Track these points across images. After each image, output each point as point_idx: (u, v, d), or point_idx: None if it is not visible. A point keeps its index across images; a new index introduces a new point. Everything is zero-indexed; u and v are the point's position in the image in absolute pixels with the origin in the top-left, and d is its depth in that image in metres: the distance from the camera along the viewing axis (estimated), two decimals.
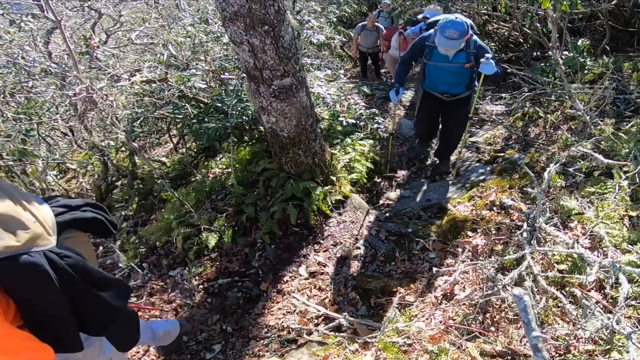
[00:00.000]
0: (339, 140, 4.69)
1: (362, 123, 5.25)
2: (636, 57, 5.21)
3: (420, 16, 4.88)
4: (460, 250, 3.17)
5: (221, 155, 5.28)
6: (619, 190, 2.92)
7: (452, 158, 4.94)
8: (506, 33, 7.81)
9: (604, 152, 3.47)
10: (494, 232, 3.13)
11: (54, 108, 4.49)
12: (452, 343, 2.30)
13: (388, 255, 3.51)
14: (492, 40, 7.96)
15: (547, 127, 4.60)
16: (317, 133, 3.87)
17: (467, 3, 7.51)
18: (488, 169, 4.37)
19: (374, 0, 13.18)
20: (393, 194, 4.63)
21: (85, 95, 3.80)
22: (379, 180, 4.84)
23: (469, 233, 3.26)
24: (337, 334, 2.84)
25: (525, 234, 2.83)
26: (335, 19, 9.48)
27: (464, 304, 2.60)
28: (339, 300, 3.22)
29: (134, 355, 3.18)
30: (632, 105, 4.21)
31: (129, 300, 3.36)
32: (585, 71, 5.00)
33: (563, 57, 5.04)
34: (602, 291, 2.33)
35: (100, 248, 4.31)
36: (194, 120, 4.28)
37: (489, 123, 5.56)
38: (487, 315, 2.48)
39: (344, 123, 4.89)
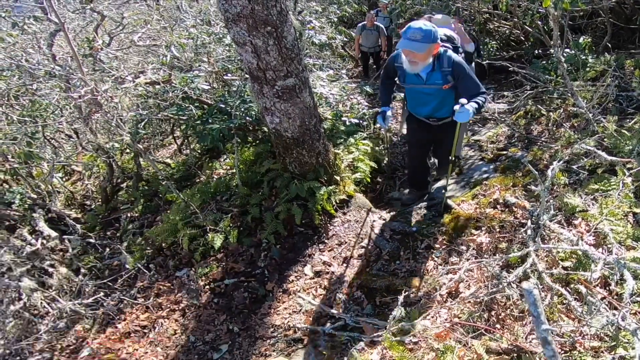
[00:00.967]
0: (342, 140, 4.70)
1: (365, 123, 5.26)
2: (638, 54, 5.22)
3: (425, 17, 4.72)
4: (464, 248, 3.19)
5: (225, 156, 5.30)
6: (622, 187, 2.93)
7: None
8: (507, 31, 7.82)
9: (607, 149, 3.47)
10: (498, 229, 3.14)
11: (59, 110, 4.52)
12: (458, 341, 2.31)
13: (393, 254, 3.52)
14: (494, 38, 7.97)
15: (549, 124, 4.60)
16: (321, 133, 3.88)
17: (468, 1, 7.52)
18: (491, 167, 4.37)
19: (375, 0, 13.16)
20: (397, 193, 4.64)
21: (90, 97, 3.83)
22: (383, 179, 4.85)
23: (473, 231, 3.27)
24: (343, 333, 2.86)
25: (529, 232, 2.84)
26: (336, 19, 9.48)
27: (469, 301, 2.61)
28: (344, 299, 3.24)
29: (134, 353, 3.21)
30: (635, 102, 4.22)
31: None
32: (587, 69, 5.01)
33: (565, 54, 5.05)
34: (607, 288, 2.34)
35: (107, 249, 4.33)
36: (198, 122, 4.30)
37: (492, 121, 5.56)
38: (493, 312, 2.49)
39: (347, 123, 4.90)
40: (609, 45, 5.65)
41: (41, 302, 3.45)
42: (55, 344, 3.39)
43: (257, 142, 4.63)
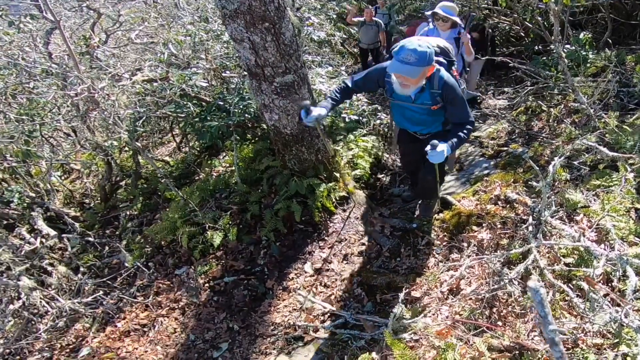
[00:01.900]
0: (342, 137, 4.68)
1: (364, 119, 5.24)
2: (639, 50, 5.19)
3: (428, 12, 4.57)
4: (465, 245, 3.17)
5: (224, 154, 5.28)
6: (624, 182, 2.91)
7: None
8: (507, 27, 7.78)
9: (608, 144, 3.45)
10: (499, 226, 3.12)
11: (56, 109, 4.50)
12: (459, 338, 2.30)
13: (393, 251, 3.50)
14: (493, 34, 7.94)
15: (550, 120, 4.58)
16: (320, 130, 3.86)
17: None
18: (492, 163, 4.35)
19: None
20: (397, 189, 4.62)
21: (87, 95, 3.81)
22: (383, 176, 4.84)
23: (474, 227, 3.25)
24: (343, 330, 2.85)
25: (530, 228, 2.82)
26: (335, 16, 9.42)
27: (471, 298, 2.60)
28: (344, 296, 3.23)
29: (134, 352, 3.19)
30: (636, 98, 4.19)
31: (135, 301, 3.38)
32: (588, 64, 4.97)
33: (565, 50, 5.02)
34: (610, 284, 2.32)
35: (106, 248, 4.32)
36: (196, 119, 4.28)
37: (492, 117, 5.54)
38: (494, 309, 2.48)
39: (347, 119, 4.88)
40: (610, 41, 5.61)
41: (40, 301, 3.44)
42: (54, 343, 3.38)
43: (256, 139, 4.60)
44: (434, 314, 2.62)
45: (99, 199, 5.33)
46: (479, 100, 6.03)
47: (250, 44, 3.11)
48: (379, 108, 5.62)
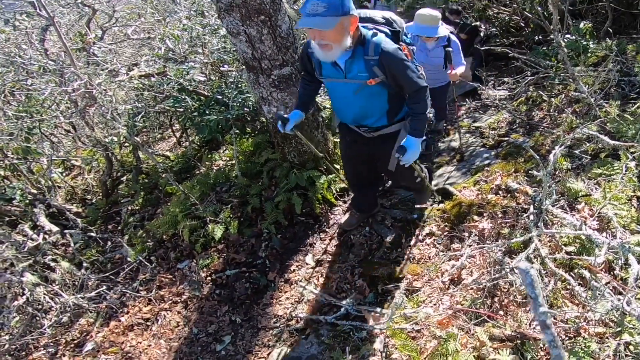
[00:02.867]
0: None
1: None
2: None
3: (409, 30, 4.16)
4: (466, 234, 3.16)
5: (224, 148, 5.28)
6: (626, 171, 2.90)
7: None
8: (507, 18, 7.71)
9: (609, 133, 3.44)
10: (500, 215, 3.11)
11: (55, 105, 4.49)
12: (461, 328, 2.30)
13: (394, 241, 3.50)
14: (493, 25, 7.87)
15: (551, 110, 4.55)
16: (319, 122, 3.85)
17: None
18: (492, 153, 4.34)
19: None
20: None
21: (84, 90, 3.80)
22: None
23: (475, 217, 3.24)
24: (345, 322, 2.86)
25: (532, 217, 2.81)
26: None
27: (472, 288, 2.60)
28: (346, 288, 3.23)
29: (138, 346, 3.21)
30: (637, 87, 4.16)
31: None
32: (589, 54, 4.94)
33: (565, 40, 4.98)
34: (612, 272, 2.32)
35: (109, 243, 4.33)
36: (195, 113, 4.28)
37: (492, 108, 5.51)
38: (496, 299, 2.48)
39: None
40: (610, 30, 5.56)
41: (44, 297, 3.45)
42: (59, 339, 3.40)
43: (256, 132, 4.60)
44: (435, 304, 2.63)
45: (100, 194, 5.33)
46: (479, 92, 6.00)
47: (247, 37, 3.10)
48: None
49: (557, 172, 3.26)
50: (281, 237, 3.76)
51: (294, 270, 3.49)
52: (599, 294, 2.08)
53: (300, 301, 3.21)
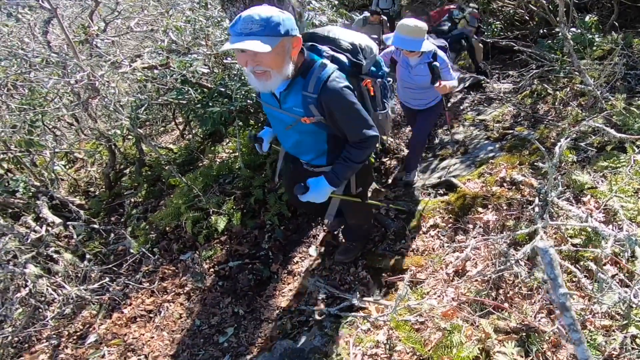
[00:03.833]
0: None
1: None
2: None
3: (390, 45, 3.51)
4: (471, 226, 3.15)
5: (227, 140, 5.26)
6: (633, 163, 2.87)
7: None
8: (511, 11, 7.66)
9: (616, 126, 3.41)
10: (505, 207, 3.09)
11: (57, 98, 4.48)
12: (465, 320, 2.28)
13: (398, 233, 3.48)
14: (497, 18, 7.82)
15: (556, 103, 4.53)
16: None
17: None
18: (497, 146, 4.31)
19: None
20: (401, 174, 4.59)
21: (87, 82, 3.79)
22: (387, 159, 4.79)
23: (480, 209, 3.23)
24: (348, 314, 2.85)
25: (537, 209, 2.79)
26: (337, 2, 9.32)
27: (476, 280, 2.58)
28: (349, 279, 3.22)
29: (141, 338, 3.21)
30: None
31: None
32: (594, 48, 4.91)
33: (571, 33, 4.94)
34: (618, 265, 2.31)
35: (112, 235, 4.32)
36: (198, 105, 4.26)
37: (497, 101, 5.48)
38: (500, 291, 2.46)
39: None
40: (616, 24, 5.52)
41: (47, 289, 3.45)
42: (62, 331, 3.40)
43: (259, 124, 4.57)
44: (439, 296, 2.61)
45: (103, 187, 5.33)
46: (483, 85, 5.96)
47: None
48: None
49: (562, 165, 3.24)
50: (284, 228, 3.75)
51: (298, 262, 3.49)
52: (606, 286, 2.07)
53: (304, 293, 3.20)
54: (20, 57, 4.17)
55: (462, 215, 3.28)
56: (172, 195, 4.27)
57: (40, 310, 3.44)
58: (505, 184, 3.37)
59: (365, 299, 2.93)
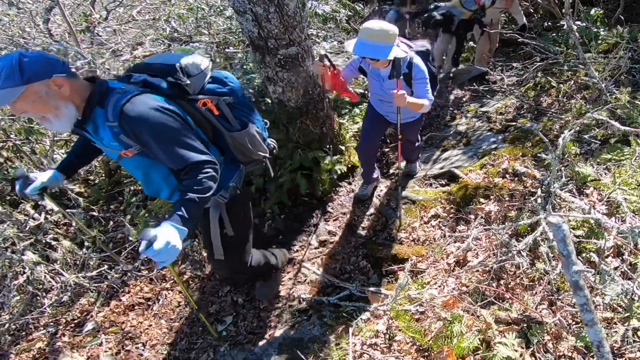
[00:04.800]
0: (347, 110, 4.62)
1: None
2: None
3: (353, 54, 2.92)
4: (472, 217, 3.13)
5: None
6: (637, 156, 2.85)
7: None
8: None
9: (620, 119, 3.38)
10: (507, 198, 3.07)
11: None
12: (466, 310, 2.27)
13: (398, 223, 3.46)
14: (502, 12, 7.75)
15: (560, 96, 4.49)
16: (325, 103, 3.80)
17: None
18: (500, 137, 4.28)
19: None
20: (403, 163, 4.57)
21: (88, 70, 3.76)
22: (388, 149, 4.77)
23: (482, 200, 3.21)
24: (348, 303, 2.83)
25: (539, 200, 2.77)
26: None
27: (478, 270, 2.56)
28: (349, 269, 3.21)
29: (139, 326, 3.20)
30: None
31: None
32: (599, 41, 4.87)
33: (576, 26, 4.90)
34: (621, 257, 2.29)
35: (111, 222, 4.30)
36: None
37: (500, 93, 5.44)
38: (502, 281, 2.45)
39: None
40: (622, 17, 5.48)
41: (45, 276, 3.43)
42: (59, 318, 3.38)
43: (261, 113, 4.54)
44: (440, 286, 2.60)
45: (103, 175, 5.30)
46: (486, 77, 5.92)
47: (253, 16, 3.03)
48: None
49: (565, 157, 3.21)
50: (285, 217, 3.73)
51: (297, 250, 3.47)
52: (608, 278, 2.05)
53: (303, 282, 3.19)
54: (21, 45, 4.14)
55: (464, 206, 3.26)
56: None
57: (38, 297, 3.43)
58: (507, 175, 3.35)
59: (365, 288, 2.92)
